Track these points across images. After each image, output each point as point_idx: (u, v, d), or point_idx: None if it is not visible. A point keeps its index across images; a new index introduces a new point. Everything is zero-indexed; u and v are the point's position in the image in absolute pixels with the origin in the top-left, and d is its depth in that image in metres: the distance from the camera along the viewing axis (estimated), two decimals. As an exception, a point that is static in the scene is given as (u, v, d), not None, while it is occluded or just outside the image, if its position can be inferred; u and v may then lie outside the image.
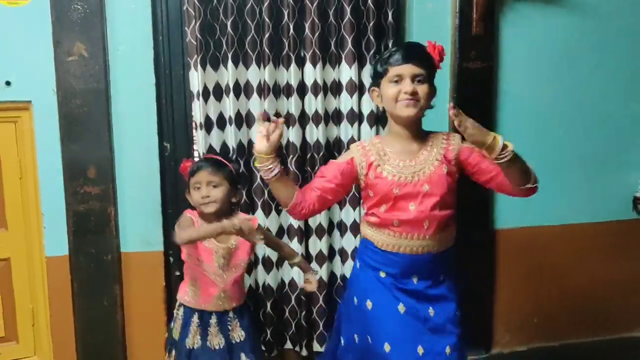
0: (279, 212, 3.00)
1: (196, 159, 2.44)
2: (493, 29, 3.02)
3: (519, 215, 3.25)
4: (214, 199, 2.26)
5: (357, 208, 3.02)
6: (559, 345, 3.40)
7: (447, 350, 2.07)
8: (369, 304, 2.09)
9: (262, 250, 2.99)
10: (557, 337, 3.41)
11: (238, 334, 2.37)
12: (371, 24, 2.93)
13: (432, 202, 2.03)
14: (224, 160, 2.38)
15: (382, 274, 2.10)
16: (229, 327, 2.35)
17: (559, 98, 3.22)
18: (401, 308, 2.06)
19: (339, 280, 3.13)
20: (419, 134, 2.10)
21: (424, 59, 2.00)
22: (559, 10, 3.10)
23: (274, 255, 3.01)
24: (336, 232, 3.10)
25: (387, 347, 2.02)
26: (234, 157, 2.88)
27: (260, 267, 3.03)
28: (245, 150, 2.93)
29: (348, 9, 2.88)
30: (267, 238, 2.44)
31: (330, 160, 2.23)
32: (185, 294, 2.37)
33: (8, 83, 2.63)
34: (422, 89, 1.97)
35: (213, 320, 2.32)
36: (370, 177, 2.05)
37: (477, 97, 3.05)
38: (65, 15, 2.60)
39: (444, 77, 3.00)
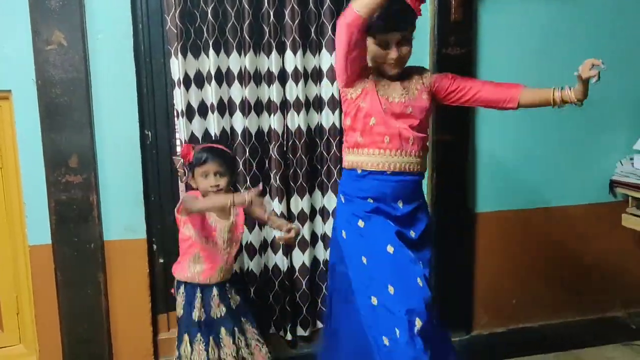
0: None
1: (197, 146, 2.53)
2: (472, 15, 3.04)
3: (499, 198, 3.32)
4: (222, 187, 2.46)
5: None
6: (538, 326, 3.47)
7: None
8: (360, 223, 2.24)
9: (245, 236, 3.02)
10: (537, 318, 3.49)
11: (234, 300, 2.59)
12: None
13: (415, 123, 2.21)
14: (229, 151, 2.58)
15: (370, 200, 2.23)
16: (229, 296, 2.56)
17: (537, 84, 3.23)
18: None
19: (321, 265, 3.17)
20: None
21: (407, 20, 2.12)
22: (537, -5, 3.14)
23: (256, 242, 3.05)
24: (318, 218, 3.14)
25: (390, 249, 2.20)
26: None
27: (244, 253, 3.06)
28: (228, 137, 2.94)
29: (328, -2, 2.90)
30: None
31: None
32: (186, 272, 2.50)
33: (-13, 73, 2.62)
34: (405, 50, 2.15)
35: (214, 292, 2.51)
36: (361, 98, 2.18)
37: (457, 84, 3.09)
38: (43, 3, 2.58)
39: (423, 62, 3.02)
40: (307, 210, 3.05)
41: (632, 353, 3.16)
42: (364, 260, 2.21)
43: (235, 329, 2.55)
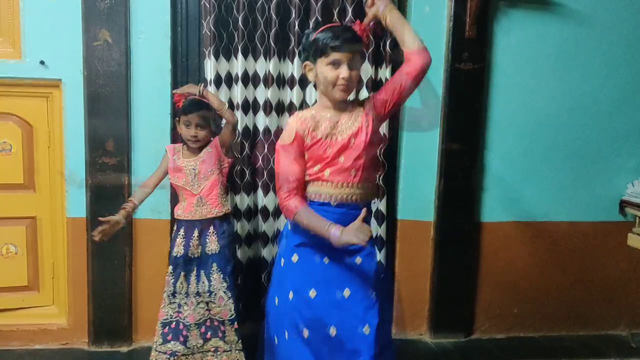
0: (276, 193, 3.25)
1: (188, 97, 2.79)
2: (485, 33, 3.22)
3: (505, 210, 3.44)
4: (200, 138, 2.77)
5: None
6: (538, 337, 3.56)
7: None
8: (294, 258, 2.24)
9: (260, 226, 3.28)
10: (537, 329, 3.58)
11: (214, 247, 2.80)
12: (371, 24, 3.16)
13: (357, 153, 2.16)
14: (211, 106, 2.81)
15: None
16: (207, 240, 2.80)
17: (550, 101, 3.38)
18: (326, 260, 2.22)
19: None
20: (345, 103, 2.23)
21: (359, 45, 2.16)
22: (551, 17, 3.28)
23: (270, 232, 3.30)
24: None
25: (312, 293, 2.19)
26: (239, 139, 3.18)
27: (259, 242, 3.32)
28: (251, 134, 3.21)
29: (350, 9, 3.13)
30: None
31: (278, 150, 2.20)
32: (178, 209, 2.83)
33: (42, 62, 2.98)
34: (355, 74, 2.12)
35: (195, 232, 2.77)
36: (307, 142, 2.16)
37: (469, 96, 3.27)
38: (93, 5, 2.95)
39: (437, 76, 3.25)
40: (318, 206, 3.28)
41: (624, 369, 3.24)
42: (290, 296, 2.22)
43: (203, 271, 2.79)
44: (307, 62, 2.19)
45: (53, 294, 3.27)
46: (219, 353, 2.82)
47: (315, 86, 2.25)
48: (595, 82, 3.39)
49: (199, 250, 2.79)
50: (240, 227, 3.25)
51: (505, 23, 3.25)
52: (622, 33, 3.36)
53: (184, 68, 3.19)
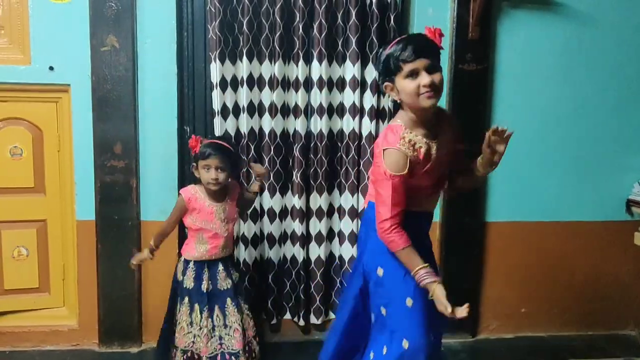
0: (282, 194, 3.31)
1: (205, 140, 2.81)
2: (489, 33, 3.23)
3: (512, 209, 3.45)
4: (221, 181, 2.75)
5: (356, 194, 3.30)
6: (546, 336, 3.56)
7: None
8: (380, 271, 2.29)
9: (267, 227, 3.32)
10: (545, 329, 3.59)
11: (235, 276, 2.92)
12: (374, 27, 3.19)
13: (445, 166, 2.30)
14: (231, 148, 2.83)
15: None
16: (217, 277, 2.85)
17: (554, 101, 3.38)
18: None
19: (337, 260, 3.42)
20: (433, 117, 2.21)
21: (432, 49, 2.08)
22: (555, 17, 3.29)
23: (276, 233, 3.33)
24: (335, 216, 3.39)
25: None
26: (245, 141, 3.22)
27: (264, 243, 3.35)
28: (256, 136, 3.24)
29: (354, 12, 3.16)
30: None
31: (388, 179, 2.09)
32: (194, 252, 2.83)
33: (51, 68, 3.04)
34: (437, 78, 2.05)
35: (220, 267, 2.86)
36: (418, 169, 2.13)
37: (472, 97, 3.28)
38: (100, 11, 3.00)
39: (441, 77, 3.25)
40: (324, 208, 3.31)
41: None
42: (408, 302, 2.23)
43: (217, 306, 2.83)
44: (387, 84, 2.13)
45: (63, 295, 3.32)
46: None
47: (398, 107, 2.19)
48: (599, 82, 3.39)
49: (229, 282, 2.86)
50: (247, 228, 3.28)
51: (509, 24, 3.26)
52: (626, 32, 3.36)
53: (190, 72, 3.23)
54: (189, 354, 2.81)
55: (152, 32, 3.09)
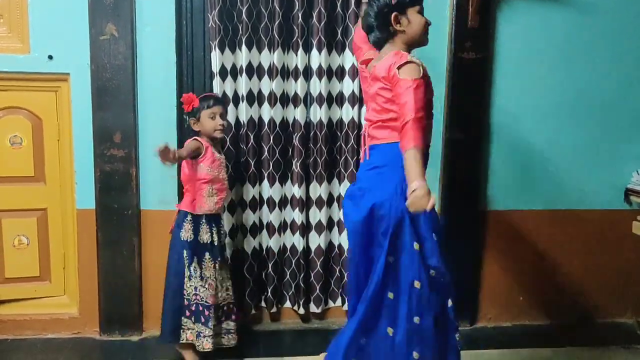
0: (282, 183, 3.32)
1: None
2: (489, 22, 3.22)
3: (511, 198, 3.46)
4: (225, 127, 2.95)
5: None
6: (544, 325, 3.58)
7: None
8: None
9: (267, 217, 3.33)
10: (543, 317, 3.60)
11: (223, 237, 3.05)
12: (374, 15, 3.19)
13: None
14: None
15: None
16: (221, 231, 3.01)
17: (554, 89, 3.38)
18: None
19: (336, 249, 3.43)
20: None
21: None
22: (555, 5, 3.28)
23: (276, 222, 3.33)
24: (335, 205, 3.39)
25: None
26: (245, 130, 3.23)
27: (264, 232, 3.36)
28: (255, 125, 3.24)
29: (352, 1, 3.15)
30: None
31: (412, 84, 2.14)
32: (204, 205, 2.88)
33: (51, 57, 3.04)
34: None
35: (220, 221, 3.00)
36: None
37: (471, 86, 3.27)
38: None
39: (440, 65, 3.26)
40: (324, 197, 3.32)
41: (628, 355, 3.24)
42: None
43: (219, 259, 2.95)
44: (396, 13, 2.26)
45: (64, 284, 3.33)
46: (230, 335, 2.98)
47: (381, 39, 2.33)
48: (599, 70, 3.39)
49: (223, 238, 3.01)
50: (246, 217, 3.29)
51: (509, 12, 3.25)
52: (627, 20, 3.35)
53: (190, 60, 3.23)
54: (192, 308, 2.87)
55: (151, 21, 3.08)
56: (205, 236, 2.88)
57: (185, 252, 2.86)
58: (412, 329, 2.18)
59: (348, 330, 2.29)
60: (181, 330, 2.89)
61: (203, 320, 2.86)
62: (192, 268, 2.87)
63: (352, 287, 2.41)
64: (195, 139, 2.85)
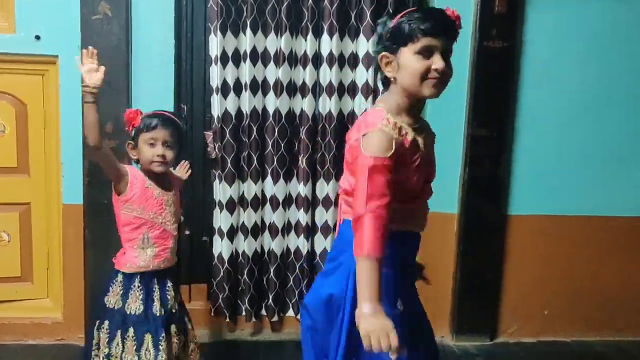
0: (286, 180, 3.07)
1: (144, 112, 2.31)
2: (517, 8, 2.99)
3: (535, 202, 3.23)
4: (168, 160, 2.23)
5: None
6: (570, 342, 3.32)
7: None
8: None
9: (269, 217, 3.08)
10: (569, 333, 3.34)
11: (175, 304, 2.33)
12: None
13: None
14: (180, 122, 2.32)
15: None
16: (168, 297, 2.30)
17: (586, 85, 3.16)
18: None
19: (345, 253, 3.17)
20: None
21: (454, 31, 1.70)
22: (590, -7, 3.03)
23: (279, 223, 3.08)
24: (344, 205, 3.13)
25: None
26: (247, 122, 2.97)
27: (266, 233, 3.12)
28: (259, 116, 3.00)
29: (367, -17, 2.92)
30: None
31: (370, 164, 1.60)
32: (137, 260, 2.23)
33: (38, 37, 2.81)
34: (449, 67, 1.68)
35: (169, 283, 2.32)
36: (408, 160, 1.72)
37: (497, 77, 3.05)
38: (92, -25, 2.76)
39: (463, 54, 3.02)
40: (332, 196, 3.06)
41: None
42: None
43: (182, 326, 2.35)
44: (385, 53, 1.70)
45: (47, 285, 3.10)
46: None
47: (385, 84, 1.78)
48: (634, 66, 3.15)
49: (176, 304, 2.34)
50: (247, 217, 3.05)
51: (538, -1, 3.02)
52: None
53: (189, 44, 3.03)
54: None
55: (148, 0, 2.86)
56: (134, 305, 2.22)
57: (106, 322, 2.23)
58: None
59: None
60: None
61: None
62: (113, 345, 2.19)
63: None
64: (130, 167, 2.26)
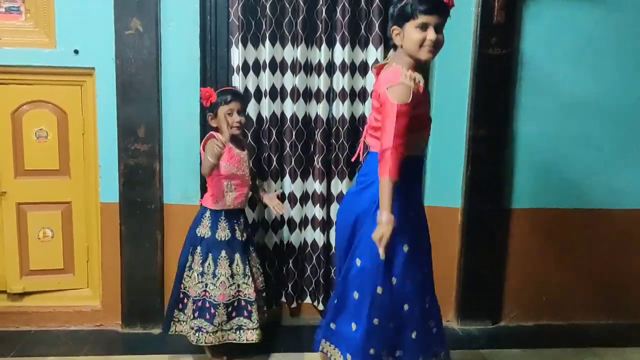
0: (303, 179, 3.31)
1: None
2: (514, 18, 3.18)
3: (534, 196, 3.42)
4: (243, 123, 2.87)
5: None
6: (567, 325, 3.53)
7: None
8: None
9: (288, 212, 3.33)
10: (567, 318, 3.56)
11: (249, 232, 3.02)
12: None
13: None
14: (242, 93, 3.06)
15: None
16: (244, 227, 2.96)
17: (580, 87, 3.33)
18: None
19: (357, 245, 3.40)
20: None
21: (445, 9, 2.22)
22: (582, 1, 3.22)
23: (297, 217, 3.34)
24: (357, 201, 3.37)
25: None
26: (267, 126, 3.23)
27: (285, 227, 3.36)
28: (278, 120, 3.24)
29: (377, -4, 3.14)
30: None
31: (395, 110, 2.10)
32: (222, 201, 2.85)
33: (76, 52, 3.07)
34: (441, 37, 2.20)
35: (242, 219, 2.95)
36: (419, 100, 2.21)
37: (496, 82, 3.24)
38: (125, -6, 3.02)
39: (464, 61, 3.24)
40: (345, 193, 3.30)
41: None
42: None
43: (237, 255, 2.88)
44: (395, 27, 2.24)
45: (87, 276, 3.37)
46: (242, 331, 2.87)
47: (394, 48, 2.32)
48: (626, 68, 3.34)
49: (244, 234, 2.92)
50: (267, 212, 3.29)
51: (535, 8, 3.21)
52: (656, 17, 3.29)
53: (213, 55, 3.23)
54: (199, 303, 2.83)
55: (175, 16, 3.09)
56: (222, 233, 2.85)
57: (198, 248, 2.85)
58: (370, 328, 2.27)
59: (327, 314, 2.45)
60: (171, 323, 2.91)
61: (208, 317, 2.81)
62: (205, 265, 2.83)
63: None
64: (212, 139, 2.71)
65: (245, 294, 2.87)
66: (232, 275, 2.84)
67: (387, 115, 2.14)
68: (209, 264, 2.83)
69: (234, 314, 2.88)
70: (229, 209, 2.87)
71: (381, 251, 2.11)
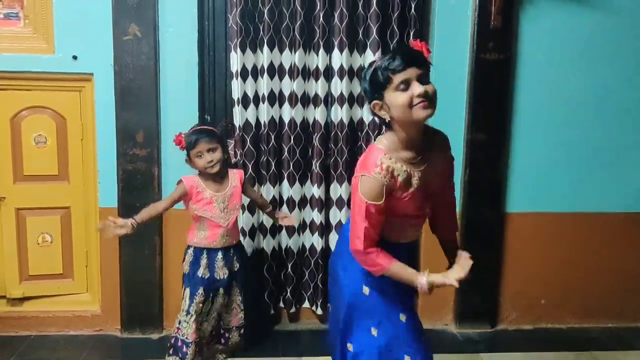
0: (302, 183, 3.32)
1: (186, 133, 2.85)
2: (511, 22, 3.20)
3: (532, 200, 3.43)
4: (217, 161, 2.81)
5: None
6: (566, 329, 3.54)
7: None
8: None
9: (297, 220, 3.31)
10: (565, 321, 3.56)
11: (234, 266, 2.97)
12: (395, 15, 3.18)
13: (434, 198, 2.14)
14: (213, 128, 2.94)
15: None
16: (231, 261, 2.95)
17: (578, 91, 3.35)
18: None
19: (356, 249, 3.41)
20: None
21: (420, 59, 1.89)
22: (579, 6, 3.24)
23: (296, 222, 3.33)
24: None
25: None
26: (266, 130, 3.23)
27: (283, 232, 3.37)
28: (276, 125, 3.25)
29: (374, 1, 3.14)
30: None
31: (362, 205, 1.92)
32: (193, 237, 2.90)
33: (75, 57, 3.08)
34: (430, 88, 1.85)
35: (219, 256, 2.90)
36: (398, 195, 1.97)
37: (494, 87, 3.25)
38: (123, 0, 3.02)
39: (462, 66, 3.25)
40: (344, 197, 3.30)
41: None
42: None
43: (222, 289, 2.91)
44: (375, 102, 1.92)
45: (86, 281, 3.37)
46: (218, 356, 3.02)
47: (388, 125, 1.97)
48: (624, 72, 3.35)
49: (226, 272, 2.91)
50: (266, 217, 3.29)
51: (532, 12, 3.22)
52: (652, 19, 3.30)
53: (211, 61, 3.25)
54: (172, 341, 2.86)
55: (173, 21, 3.11)
56: (202, 270, 2.86)
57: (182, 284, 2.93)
58: None
59: None
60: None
61: (180, 355, 2.83)
62: (182, 301, 2.87)
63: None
64: (181, 183, 2.82)
65: (222, 329, 3.00)
66: (208, 313, 2.89)
67: (357, 208, 1.94)
68: (185, 301, 2.86)
69: (212, 343, 2.99)
70: (211, 248, 2.88)
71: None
